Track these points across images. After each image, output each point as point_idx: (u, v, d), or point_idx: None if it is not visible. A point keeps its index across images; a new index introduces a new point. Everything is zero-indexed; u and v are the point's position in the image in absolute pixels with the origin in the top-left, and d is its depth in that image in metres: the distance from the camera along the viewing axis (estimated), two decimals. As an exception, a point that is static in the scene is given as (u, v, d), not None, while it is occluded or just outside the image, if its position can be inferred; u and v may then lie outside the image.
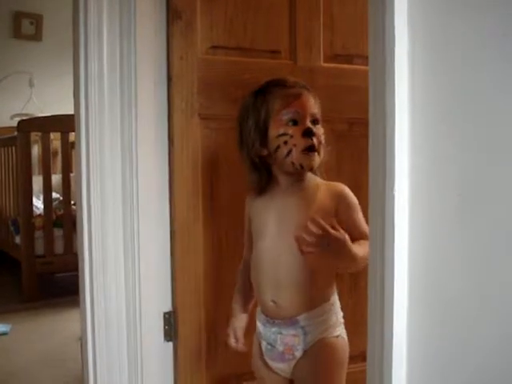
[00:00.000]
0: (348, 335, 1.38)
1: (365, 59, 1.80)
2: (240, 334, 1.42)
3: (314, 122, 1.29)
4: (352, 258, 1.16)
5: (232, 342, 1.42)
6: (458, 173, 0.80)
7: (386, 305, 0.85)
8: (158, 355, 1.66)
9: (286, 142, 1.27)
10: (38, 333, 2.75)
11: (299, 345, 1.30)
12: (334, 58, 1.82)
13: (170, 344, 1.68)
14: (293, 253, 1.26)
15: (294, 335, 1.31)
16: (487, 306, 0.78)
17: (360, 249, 1.18)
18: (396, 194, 0.83)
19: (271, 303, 1.32)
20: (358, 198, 1.84)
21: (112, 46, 1.57)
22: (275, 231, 1.33)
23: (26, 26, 4.83)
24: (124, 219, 1.60)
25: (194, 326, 1.67)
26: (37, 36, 4.87)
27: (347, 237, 1.15)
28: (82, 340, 1.67)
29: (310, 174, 1.35)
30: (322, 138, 1.29)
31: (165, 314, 1.66)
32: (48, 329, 2.81)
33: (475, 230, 0.78)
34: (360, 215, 1.31)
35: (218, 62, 1.67)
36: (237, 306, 1.46)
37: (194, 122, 1.63)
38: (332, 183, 1.35)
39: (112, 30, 1.56)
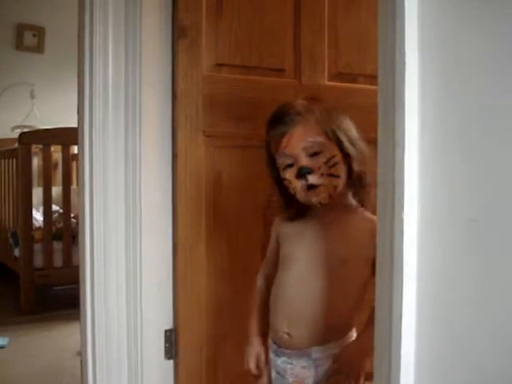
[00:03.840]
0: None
1: (368, 78, 1.84)
2: (262, 365, 1.32)
3: (312, 153, 1.20)
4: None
5: (254, 371, 1.31)
6: (470, 198, 0.79)
7: (393, 331, 0.84)
8: (159, 373, 1.65)
9: (288, 186, 1.25)
10: (36, 346, 2.73)
11: (310, 378, 1.25)
12: (337, 76, 1.82)
13: (171, 362, 1.66)
14: (317, 288, 1.23)
15: (304, 367, 1.25)
16: (499, 335, 0.77)
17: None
18: (405, 217, 0.83)
19: (285, 335, 1.27)
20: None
21: (117, 63, 1.57)
22: (303, 264, 1.27)
23: (29, 38, 4.85)
24: (126, 234, 1.59)
25: (194, 344, 1.66)
26: (39, 48, 4.89)
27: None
28: (82, 355, 1.66)
29: (351, 202, 1.26)
30: (324, 167, 1.19)
31: (166, 331, 1.65)
32: (46, 342, 2.79)
33: (487, 256, 0.78)
34: None
35: (223, 79, 1.67)
36: (254, 330, 1.35)
37: (199, 139, 1.63)
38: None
39: (117, 46, 1.57)
